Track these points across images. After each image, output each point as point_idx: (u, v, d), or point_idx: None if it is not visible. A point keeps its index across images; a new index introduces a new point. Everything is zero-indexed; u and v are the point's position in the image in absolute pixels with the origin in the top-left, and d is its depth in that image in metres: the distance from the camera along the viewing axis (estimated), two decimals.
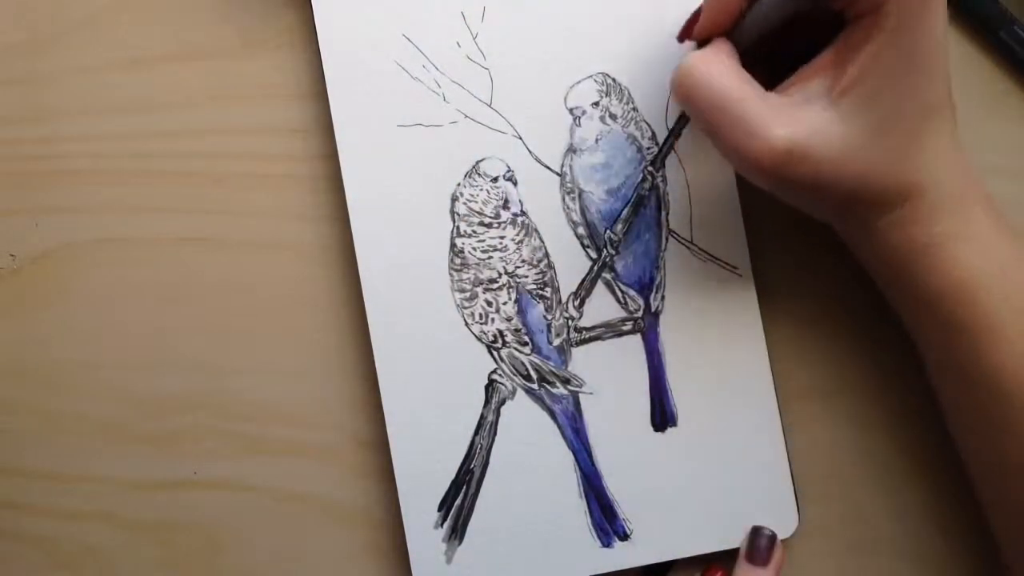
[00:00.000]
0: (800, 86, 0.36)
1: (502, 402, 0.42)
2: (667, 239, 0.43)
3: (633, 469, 0.42)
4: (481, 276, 0.42)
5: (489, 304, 0.42)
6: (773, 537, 0.41)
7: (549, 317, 0.43)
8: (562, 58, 0.43)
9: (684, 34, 0.39)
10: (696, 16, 0.38)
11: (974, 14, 0.43)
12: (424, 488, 0.42)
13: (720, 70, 0.36)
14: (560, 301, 0.43)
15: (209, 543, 0.43)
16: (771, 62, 0.38)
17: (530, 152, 0.43)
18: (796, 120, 0.35)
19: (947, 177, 0.36)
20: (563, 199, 0.43)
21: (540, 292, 0.43)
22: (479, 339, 0.42)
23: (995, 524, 0.39)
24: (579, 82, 0.43)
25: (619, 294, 0.43)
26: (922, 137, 0.35)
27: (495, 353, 0.42)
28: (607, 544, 0.42)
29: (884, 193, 0.36)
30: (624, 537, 0.42)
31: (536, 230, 0.43)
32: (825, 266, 0.42)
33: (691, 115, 0.37)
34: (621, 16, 0.43)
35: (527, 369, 0.43)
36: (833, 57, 0.35)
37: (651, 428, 0.43)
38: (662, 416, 0.43)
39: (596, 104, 0.43)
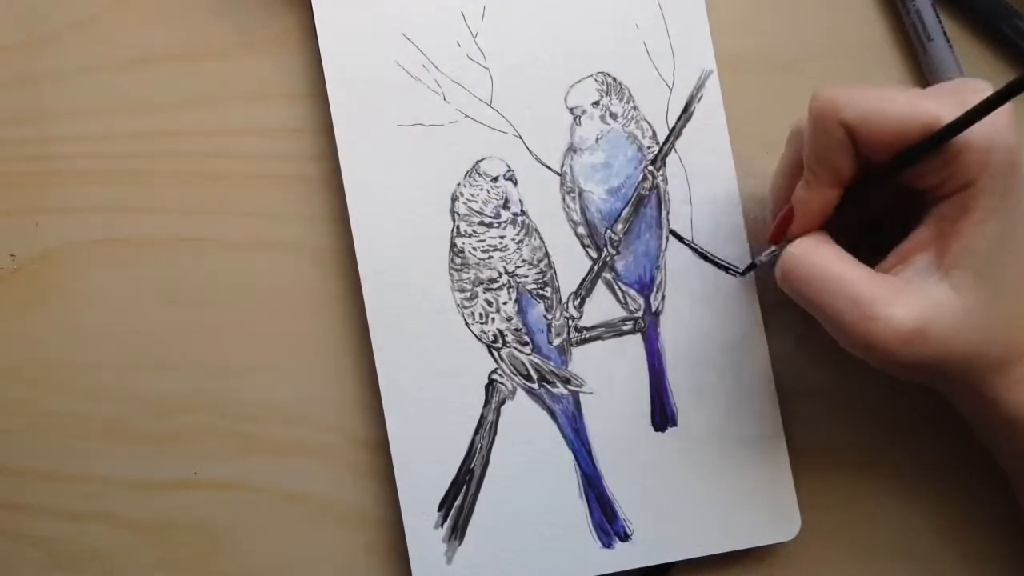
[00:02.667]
0: (903, 266, 0.36)
1: (502, 402, 0.42)
2: (667, 239, 0.43)
3: (633, 469, 0.42)
4: (481, 276, 0.42)
5: (489, 304, 0.42)
6: None
7: (549, 317, 0.43)
8: (562, 58, 0.43)
9: (778, 235, 0.39)
10: (787, 217, 0.38)
11: (975, 8, 0.43)
12: (424, 488, 0.42)
13: (829, 256, 0.36)
14: (560, 301, 0.43)
15: (209, 543, 0.43)
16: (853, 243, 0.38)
17: (530, 152, 0.43)
18: (914, 298, 0.34)
19: None
20: (563, 199, 0.43)
21: (540, 292, 0.43)
22: (479, 339, 0.42)
23: None
24: (579, 81, 0.43)
25: (619, 294, 0.43)
26: None
27: (495, 353, 0.42)
28: (608, 545, 0.42)
29: (1002, 356, 0.36)
30: (625, 538, 0.42)
31: (536, 230, 0.43)
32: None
33: (804, 303, 0.37)
34: (621, 16, 0.43)
35: (527, 369, 0.42)
36: (932, 232, 0.35)
37: (651, 428, 0.43)
38: (662, 416, 0.43)
39: (596, 103, 0.43)
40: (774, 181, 0.40)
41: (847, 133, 0.35)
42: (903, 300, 0.34)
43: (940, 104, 0.34)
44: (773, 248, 0.39)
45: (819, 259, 0.36)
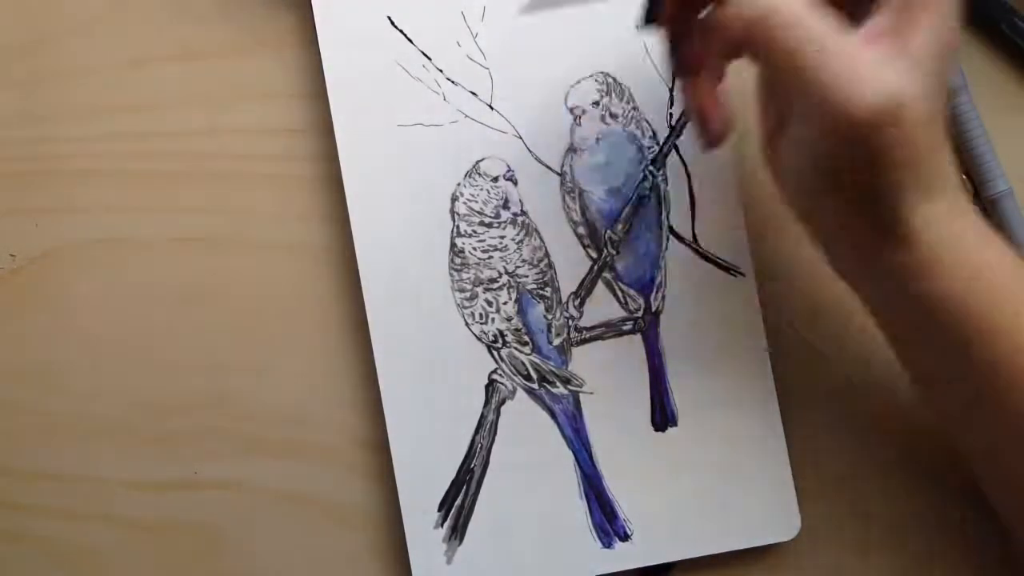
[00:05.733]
0: (873, 46, 0.32)
1: (502, 402, 0.42)
2: (668, 239, 0.43)
3: (633, 469, 0.42)
4: (481, 276, 0.42)
5: (489, 304, 0.42)
6: None
7: (549, 317, 0.43)
8: (562, 58, 0.43)
9: None
10: None
11: (975, 8, 0.43)
12: (424, 488, 0.42)
13: (812, 12, 0.32)
14: (560, 301, 0.43)
15: (209, 543, 0.43)
16: None
17: (530, 152, 0.43)
18: (894, 73, 0.31)
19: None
20: (563, 199, 0.43)
21: (540, 292, 0.43)
22: (479, 339, 0.42)
23: None
24: (579, 82, 0.43)
25: (619, 294, 0.43)
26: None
27: (495, 353, 0.42)
28: (608, 545, 0.42)
29: (939, 174, 0.33)
30: (625, 538, 0.42)
31: (536, 230, 0.43)
32: (826, 266, 0.42)
33: (770, 55, 0.32)
34: (621, 16, 0.43)
35: (527, 369, 0.42)
36: (899, 16, 0.32)
37: (651, 428, 0.43)
38: (662, 416, 0.43)
39: (596, 103, 0.43)
40: None
41: None
42: (890, 70, 0.31)
43: None
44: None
45: (803, 12, 0.32)
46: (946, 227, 0.33)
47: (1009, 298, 0.34)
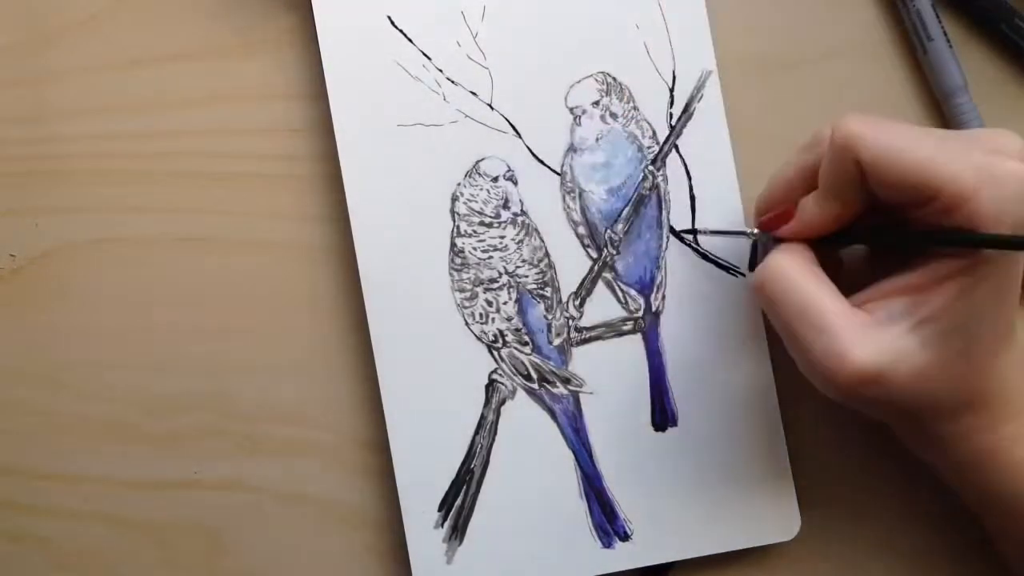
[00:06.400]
0: (881, 303, 0.35)
1: (502, 402, 0.42)
2: (668, 238, 0.43)
3: (633, 469, 0.42)
4: (481, 276, 0.42)
5: (489, 304, 0.42)
6: None
7: (549, 317, 0.43)
8: (562, 58, 0.43)
9: (769, 226, 0.38)
10: (785, 215, 0.38)
11: (975, 8, 0.43)
12: (424, 488, 0.42)
13: (807, 277, 0.36)
14: (560, 301, 0.43)
15: (209, 543, 0.43)
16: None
17: (530, 152, 0.43)
18: (879, 342, 0.34)
19: (1012, 384, 0.36)
20: (563, 199, 0.43)
21: (540, 292, 0.43)
22: (479, 339, 0.42)
23: None
24: (579, 81, 0.43)
25: (619, 294, 0.43)
26: (996, 357, 0.35)
27: (495, 353, 0.42)
28: (608, 545, 0.42)
29: (953, 408, 0.36)
30: (625, 538, 0.42)
31: (536, 230, 0.43)
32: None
33: (774, 317, 0.37)
34: (621, 16, 0.43)
35: (527, 369, 0.42)
36: (918, 281, 0.35)
37: (652, 428, 0.43)
38: (663, 416, 0.42)
39: (596, 103, 0.43)
40: (783, 173, 0.39)
41: (860, 171, 0.35)
42: (869, 343, 0.34)
43: (960, 169, 0.33)
44: (749, 231, 0.40)
45: (799, 279, 0.36)
46: (975, 442, 0.36)
47: None
